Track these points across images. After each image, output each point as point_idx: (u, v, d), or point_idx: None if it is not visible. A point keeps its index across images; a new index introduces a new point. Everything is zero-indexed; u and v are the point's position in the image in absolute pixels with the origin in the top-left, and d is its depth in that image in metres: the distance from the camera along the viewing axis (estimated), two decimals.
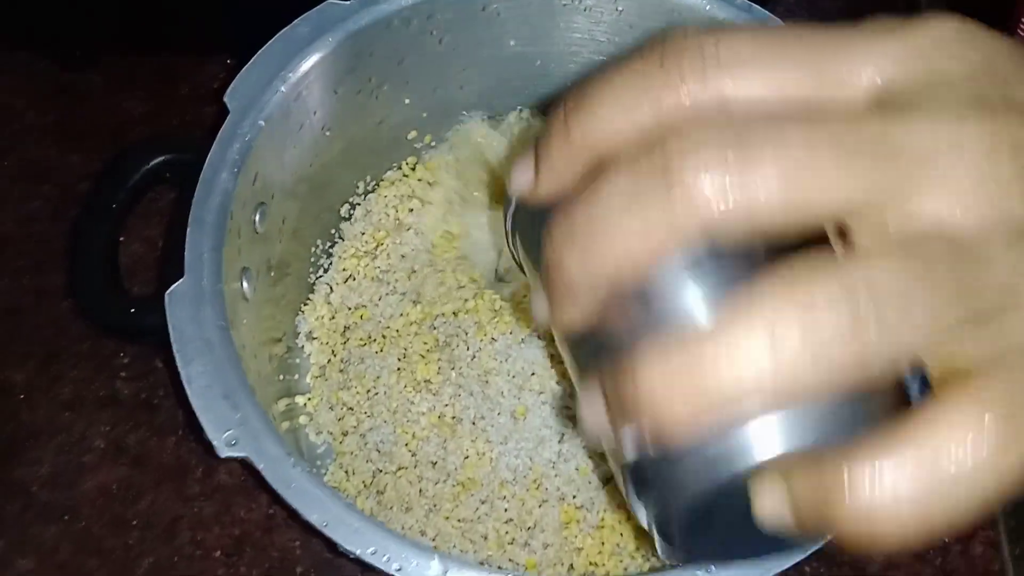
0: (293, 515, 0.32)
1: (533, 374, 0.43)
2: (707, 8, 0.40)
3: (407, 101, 0.45)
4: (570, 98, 0.23)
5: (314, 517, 0.31)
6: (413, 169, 0.49)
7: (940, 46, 0.22)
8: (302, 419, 0.44)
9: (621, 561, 0.40)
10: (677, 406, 0.21)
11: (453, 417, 0.42)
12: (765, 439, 0.22)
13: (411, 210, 0.48)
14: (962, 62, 0.22)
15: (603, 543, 0.40)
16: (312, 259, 0.46)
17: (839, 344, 0.20)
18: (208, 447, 0.33)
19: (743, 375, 0.20)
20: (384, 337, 0.44)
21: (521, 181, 0.25)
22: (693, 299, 0.24)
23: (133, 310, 0.37)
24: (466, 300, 0.45)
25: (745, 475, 0.23)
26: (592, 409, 0.23)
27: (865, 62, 0.22)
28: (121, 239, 0.45)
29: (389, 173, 0.48)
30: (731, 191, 0.20)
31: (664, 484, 0.24)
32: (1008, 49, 0.22)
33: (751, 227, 0.21)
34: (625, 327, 0.24)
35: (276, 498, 0.32)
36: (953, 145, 0.20)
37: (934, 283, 0.20)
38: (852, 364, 0.20)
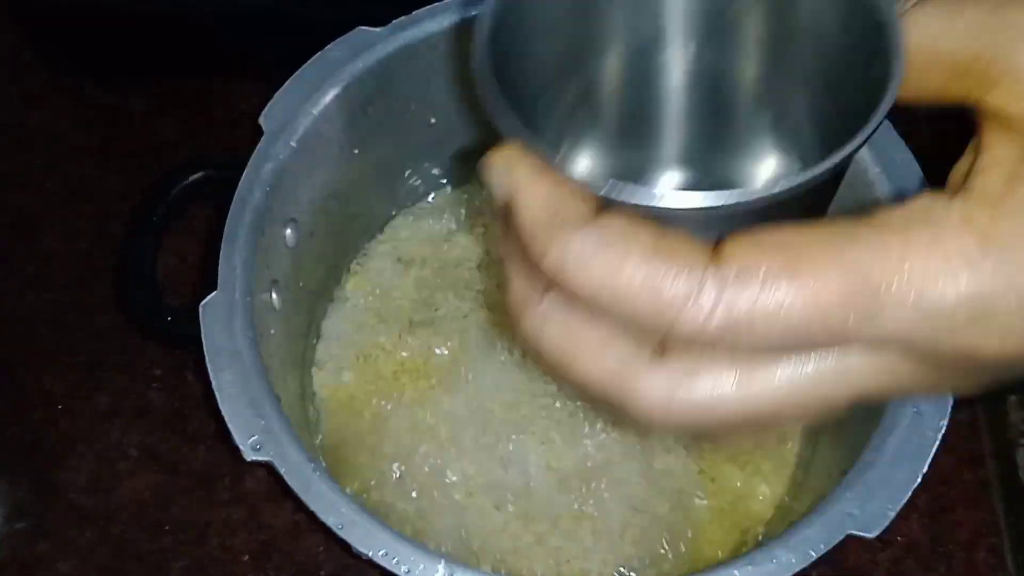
0: (316, 520, 0.33)
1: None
2: None
3: (433, 120, 0.46)
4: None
5: (330, 520, 0.33)
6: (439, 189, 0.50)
7: None
8: (320, 424, 0.45)
9: None
10: None
11: (456, 438, 0.44)
12: None
13: (439, 230, 0.50)
14: None
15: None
16: (338, 273, 0.48)
17: None
18: (236, 453, 0.34)
19: None
20: (398, 349, 0.46)
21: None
22: None
23: (171, 319, 0.39)
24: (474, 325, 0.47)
25: None
26: None
27: None
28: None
29: (415, 195, 0.50)
30: None
31: None
32: None
33: None
34: None
35: (300, 504, 0.34)
36: None
37: None
38: None
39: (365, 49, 0.42)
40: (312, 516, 0.33)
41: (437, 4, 0.42)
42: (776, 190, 0.20)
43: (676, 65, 0.28)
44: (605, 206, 0.21)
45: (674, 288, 0.20)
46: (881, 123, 0.21)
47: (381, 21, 0.42)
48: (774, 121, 0.28)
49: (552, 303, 0.23)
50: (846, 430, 0.40)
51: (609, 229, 0.21)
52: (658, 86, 0.28)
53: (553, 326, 0.23)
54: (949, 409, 0.35)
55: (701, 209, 0.21)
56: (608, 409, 0.24)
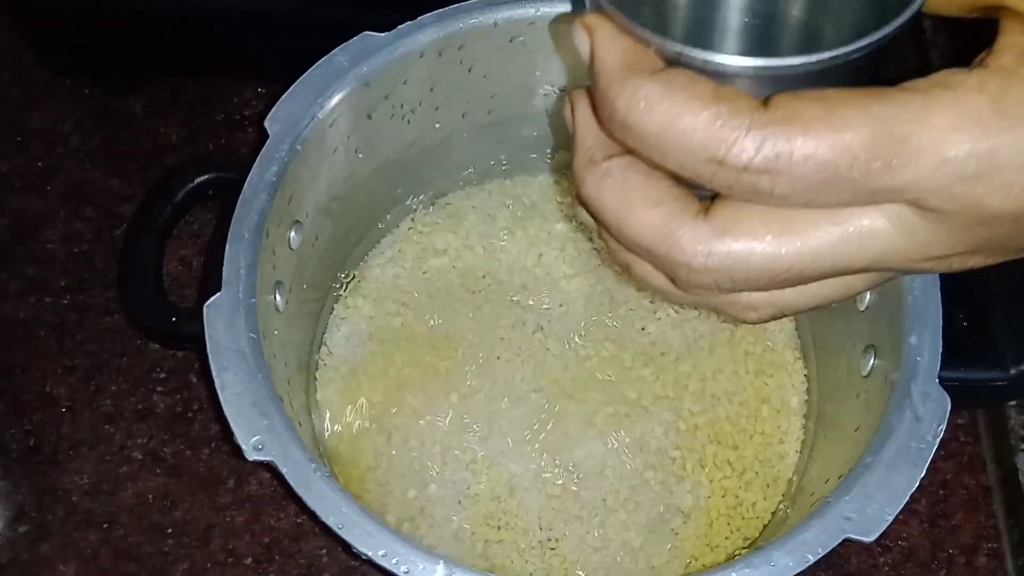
0: (318, 521, 0.33)
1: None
2: None
3: (437, 125, 0.46)
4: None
5: (331, 519, 0.33)
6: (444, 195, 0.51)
7: None
8: (322, 425, 0.45)
9: None
10: None
11: (459, 438, 0.44)
12: None
13: (442, 233, 0.50)
14: None
15: None
16: (342, 275, 0.48)
17: None
18: (239, 455, 0.34)
19: None
20: (401, 349, 0.46)
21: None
22: None
23: (175, 319, 0.39)
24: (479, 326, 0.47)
25: None
26: None
27: None
28: None
29: (418, 199, 0.50)
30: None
31: None
32: None
33: None
34: None
35: (302, 505, 0.34)
36: None
37: None
38: None
39: (370, 54, 0.42)
40: (314, 517, 0.33)
41: (442, 10, 0.42)
42: (820, 56, 0.24)
43: None
44: (672, 65, 0.25)
45: (726, 126, 0.23)
46: (916, 13, 0.24)
47: (386, 26, 0.42)
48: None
49: (614, 163, 0.27)
50: (844, 436, 0.40)
51: (675, 78, 0.24)
52: (720, 8, 0.32)
53: (613, 183, 0.26)
54: (947, 414, 0.35)
55: (756, 69, 0.24)
56: (648, 275, 0.28)
